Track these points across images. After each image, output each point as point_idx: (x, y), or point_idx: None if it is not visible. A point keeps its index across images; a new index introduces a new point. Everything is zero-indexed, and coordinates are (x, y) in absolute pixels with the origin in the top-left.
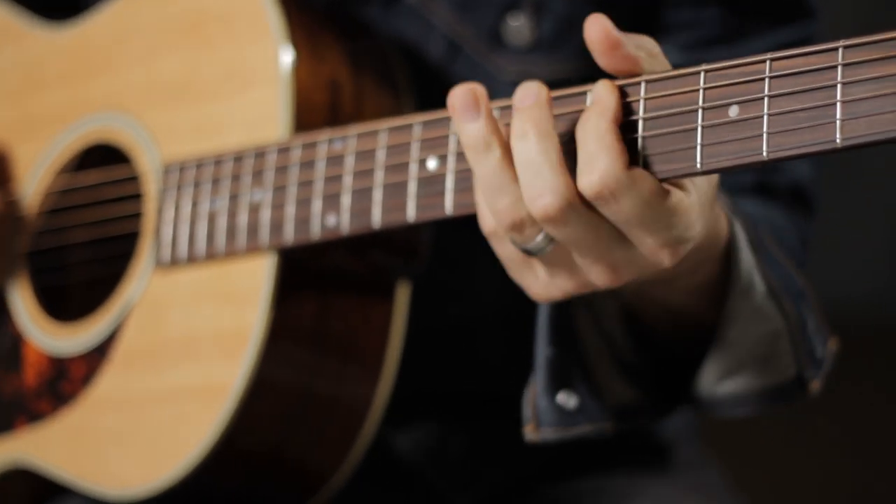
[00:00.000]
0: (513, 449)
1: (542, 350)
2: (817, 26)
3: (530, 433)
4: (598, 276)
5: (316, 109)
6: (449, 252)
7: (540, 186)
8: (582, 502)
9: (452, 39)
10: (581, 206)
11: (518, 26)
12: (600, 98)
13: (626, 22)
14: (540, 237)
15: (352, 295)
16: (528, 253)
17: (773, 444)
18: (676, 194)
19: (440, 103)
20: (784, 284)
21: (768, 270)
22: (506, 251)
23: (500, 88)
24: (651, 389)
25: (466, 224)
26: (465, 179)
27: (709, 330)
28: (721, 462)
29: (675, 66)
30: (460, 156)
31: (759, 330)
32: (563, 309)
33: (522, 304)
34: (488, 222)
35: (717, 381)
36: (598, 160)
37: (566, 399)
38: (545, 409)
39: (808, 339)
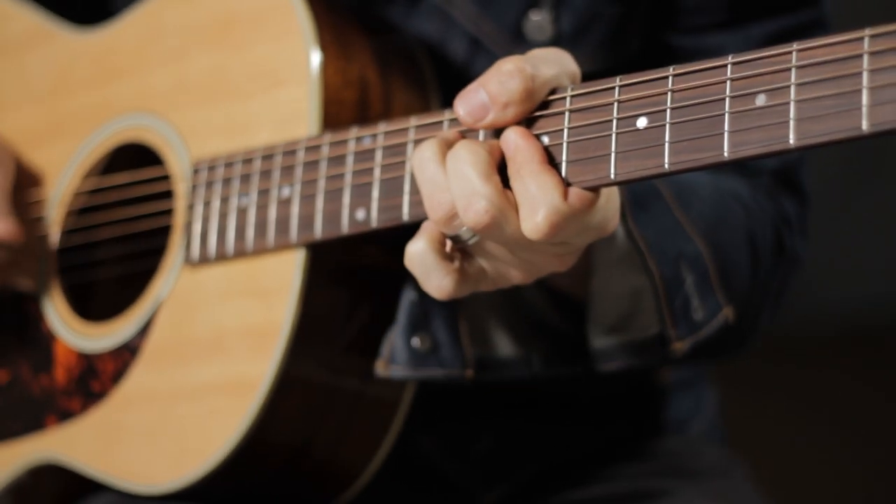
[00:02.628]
0: (539, 448)
1: (406, 293)
2: (820, 13)
3: (381, 369)
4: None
5: (345, 107)
6: None
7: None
8: None
9: (474, 35)
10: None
11: (539, 21)
12: (518, 147)
13: (643, 15)
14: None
15: (381, 291)
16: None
17: (799, 445)
18: (599, 198)
19: None
20: (660, 244)
21: (641, 229)
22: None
23: None
24: (545, 347)
25: None
26: None
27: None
28: (747, 465)
29: (675, 50)
30: None
31: (620, 284)
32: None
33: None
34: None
35: (595, 336)
36: (539, 201)
37: (420, 342)
38: (399, 349)
39: (681, 300)
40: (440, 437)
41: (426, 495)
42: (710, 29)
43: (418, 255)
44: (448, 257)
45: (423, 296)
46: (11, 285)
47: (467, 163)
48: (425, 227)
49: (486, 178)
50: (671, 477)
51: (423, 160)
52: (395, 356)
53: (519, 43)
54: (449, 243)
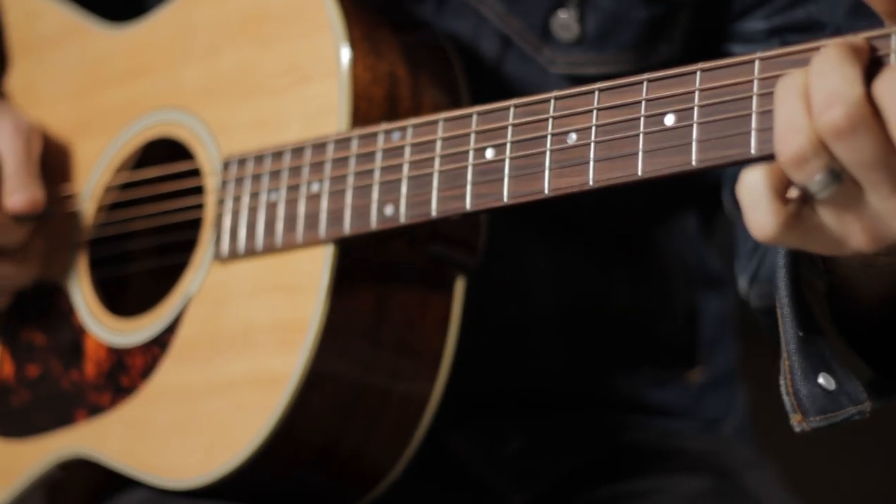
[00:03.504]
0: (568, 447)
1: (791, 334)
2: None
3: (798, 424)
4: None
5: (374, 103)
6: (505, 249)
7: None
8: (636, 502)
9: (503, 33)
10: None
11: (565, 20)
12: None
13: (686, 19)
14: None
15: (409, 287)
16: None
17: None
18: None
19: (494, 97)
20: None
21: None
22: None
23: (551, 81)
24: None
25: (522, 220)
26: (522, 168)
27: None
28: (776, 465)
29: (763, 34)
30: (517, 145)
31: None
32: (800, 291)
33: (578, 300)
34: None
35: None
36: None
37: (827, 382)
38: (807, 396)
39: None
40: (470, 438)
41: (456, 495)
42: (792, 6)
43: (751, 184)
44: (783, 199)
45: (808, 333)
46: (43, 278)
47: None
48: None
49: (850, 81)
50: (701, 475)
51: (786, 90)
52: (806, 406)
53: (547, 41)
54: (794, 191)
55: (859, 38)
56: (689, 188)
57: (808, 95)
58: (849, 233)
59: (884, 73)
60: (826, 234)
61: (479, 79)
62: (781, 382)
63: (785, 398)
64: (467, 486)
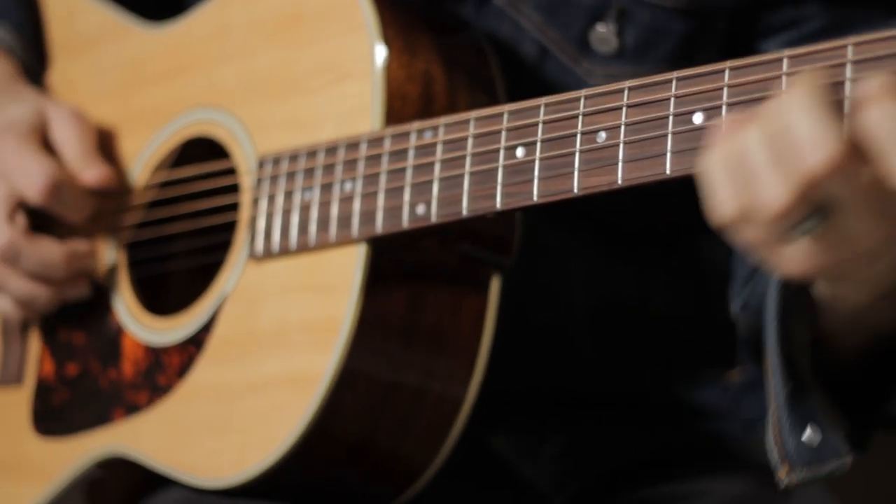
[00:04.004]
0: (609, 448)
1: (780, 387)
2: None
3: (784, 478)
4: (869, 237)
5: (408, 102)
6: (543, 249)
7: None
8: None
9: (541, 42)
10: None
11: (604, 33)
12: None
13: (722, 30)
14: (808, 222)
15: (443, 287)
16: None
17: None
18: None
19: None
20: None
21: None
22: (752, 236)
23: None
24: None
25: (557, 220)
26: (551, 167)
27: None
28: None
29: None
30: (547, 144)
31: None
32: (790, 342)
33: (615, 300)
34: (728, 211)
35: None
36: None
37: (812, 436)
38: (794, 450)
39: None
40: (510, 438)
41: (496, 494)
42: (814, 38)
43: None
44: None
45: (796, 385)
46: (88, 276)
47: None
48: None
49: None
50: (743, 477)
51: (749, 147)
52: (793, 459)
53: (585, 53)
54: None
55: (811, 68)
56: None
57: (778, 145)
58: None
59: (864, 109)
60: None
61: (518, 82)
62: (769, 434)
63: (772, 450)
64: (507, 486)
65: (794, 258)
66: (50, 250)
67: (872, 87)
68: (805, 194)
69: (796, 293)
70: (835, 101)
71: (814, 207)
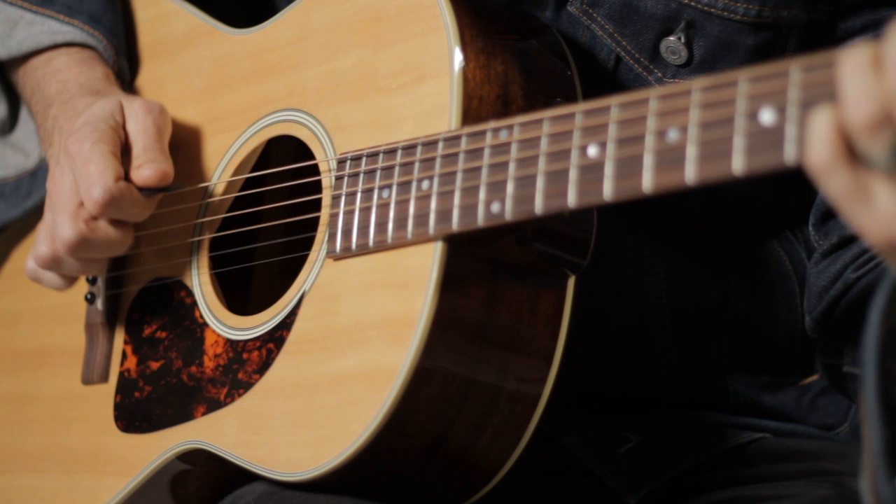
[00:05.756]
0: (683, 448)
1: (875, 432)
2: None
3: None
4: None
5: (486, 102)
6: (619, 253)
7: None
8: None
9: (614, 50)
10: None
11: (674, 44)
12: None
13: (795, 42)
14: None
15: (519, 286)
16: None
17: None
18: None
19: None
20: None
21: None
22: (838, 185)
23: None
24: None
25: (634, 224)
26: (623, 166)
27: None
28: None
29: None
30: (619, 143)
31: None
32: (888, 388)
33: (693, 303)
34: (823, 149)
35: None
36: None
37: None
38: (888, 498)
39: None
40: (584, 437)
41: (570, 492)
42: None
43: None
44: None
45: (891, 428)
46: (166, 274)
47: None
48: None
49: None
50: (820, 482)
51: (857, 59)
52: None
53: (656, 62)
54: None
55: None
56: (804, 195)
57: (881, 65)
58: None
59: None
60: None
61: (595, 85)
62: (864, 481)
63: (866, 496)
64: (581, 484)
65: (885, 213)
66: (116, 238)
67: None
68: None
69: None
70: None
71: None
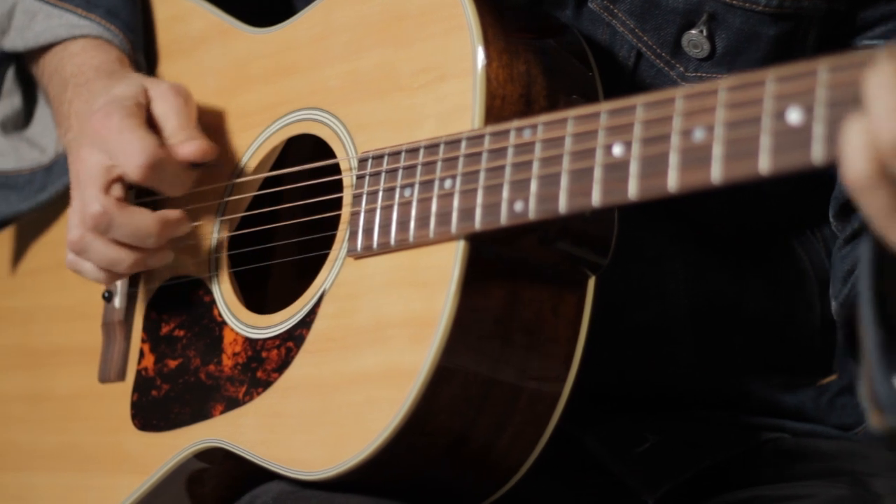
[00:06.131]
0: (702, 448)
1: (871, 334)
2: None
3: (876, 422)
4: None
5: (508, 101)
6: (638, 252)
7: None
8: None
9: (635, 46)
10: None
11: (696, 38)
12: None
13: (815, 33)
14: None
15: (541, 285)
16: None
17: None
18: None
19: None
20: None
21: None
22: (877, 201)
23: None
24: None
25: (654, 223)
26: (648, 165)
27: None
28: None
29: None
30: (644, 142)
31: None
32: (882, 291)
33: (712, 303)
34: (861, 167)
35: None
36: None
37: None
38: (886, 395)
39: None
40: (603, 436)
41: (588, 491)
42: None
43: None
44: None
45: (887, 332)
46: (185, 273)
47: None
48: None
49: None
50: (838, 482)
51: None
52: (884, 405)
53: (678, 57)
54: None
55: None
56: (823, 194)
57: None
58: None
59: None
60: None
61: (615, 84)
62: (861, 383)
63: (864, 397)
64: (600, 483)
65: None
66: (143, 219)
67: None
68: None
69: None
70: None
71: None
